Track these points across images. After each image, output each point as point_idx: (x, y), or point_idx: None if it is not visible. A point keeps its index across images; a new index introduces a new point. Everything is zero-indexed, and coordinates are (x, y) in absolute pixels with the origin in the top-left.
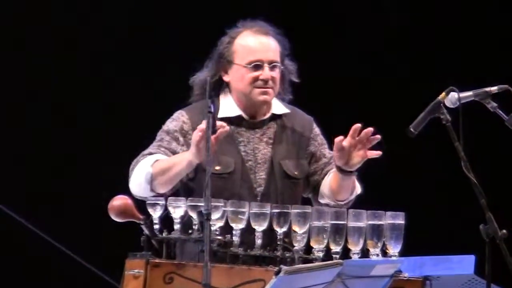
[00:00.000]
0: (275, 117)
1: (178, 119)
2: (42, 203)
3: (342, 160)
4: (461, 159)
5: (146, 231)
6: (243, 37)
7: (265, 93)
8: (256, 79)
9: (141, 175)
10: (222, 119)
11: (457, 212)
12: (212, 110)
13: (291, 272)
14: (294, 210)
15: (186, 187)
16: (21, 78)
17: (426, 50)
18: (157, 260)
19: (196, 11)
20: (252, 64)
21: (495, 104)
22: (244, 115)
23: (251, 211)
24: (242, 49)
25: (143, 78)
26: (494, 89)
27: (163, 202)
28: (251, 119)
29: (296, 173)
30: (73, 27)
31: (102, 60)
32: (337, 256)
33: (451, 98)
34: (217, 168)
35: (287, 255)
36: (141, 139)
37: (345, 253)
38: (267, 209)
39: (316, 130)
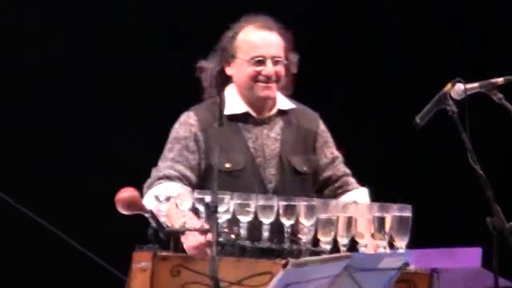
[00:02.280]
0: (281, 112)
1: (185, 123)
2: (49, 195)
3: None
4: (468, 151)
5: (153, 224)
6: (246, 32)
7: (267, 88)
8: (258, 74)
9: (151, 205)
10: (229, 116)
11: (464, 204)
12: (222, 103)
13: (299, 264)
14: (301, 203)
15: (198, 186)
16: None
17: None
18: (164, 253)
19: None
20: (255, 60)
21: (501, 95)
22: (251, 111)
23: (258, 204)
24: (245, 44)
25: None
26: (500, 80)
27: (171, 195)
28: (258, 115)
29: (305, 168)
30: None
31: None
32: (345, 248)
33: (457, 89)
34: (228, 165)
35: (294, 247)
36: (144, 130)
37: (352, 246)
38: (274, 202)
39: (322, 126)
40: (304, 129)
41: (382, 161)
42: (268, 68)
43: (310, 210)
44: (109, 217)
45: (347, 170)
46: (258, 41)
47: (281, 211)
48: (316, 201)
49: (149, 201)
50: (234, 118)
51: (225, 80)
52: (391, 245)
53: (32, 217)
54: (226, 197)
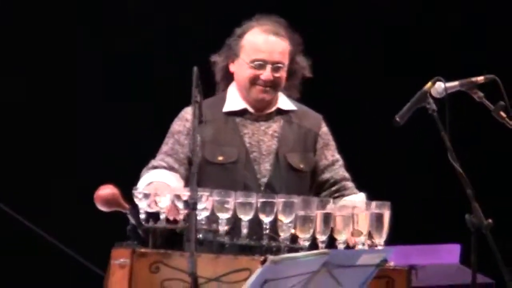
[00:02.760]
0: (281, 112)
1: (182, 118)
2: (27, 192)
3: None
4: (447, 149)
5: (132, 221)
6: (252, 33)
7: (264, 92)
8: (256, 77)
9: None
10: (227, 113)
11: (443, 201)
12: (198, 99)
13: (277, 261)
14: (279, 200)
15: (187, 180)
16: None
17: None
18: (143, 250)
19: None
20: (255, 63)
21: (481, 94)
22: (249, 108)
23: (236, 201)
24: (249, 46)
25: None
26: (480, 79)
27: (150, 192)
28: (256, 112)
29: (301, 166)
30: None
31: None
32: (323, 245)
33: (438, 88)
34: (220, 158)
35: (273, 244)
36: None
37: (331, 243)
38: (253, 199)
39: (325, 129)
40: (305, 128)
41: (360, 158)
42: (267, 73)
43: (289, 207)
44: (88, 214)
45: (347, 175)
46: (261, 45)
47: (259, 208)
48: (294, 198)
49: (145, 181)
50: (232, 113)
51: (230, 76)
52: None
53: (10, 214)
54: (205, 194)
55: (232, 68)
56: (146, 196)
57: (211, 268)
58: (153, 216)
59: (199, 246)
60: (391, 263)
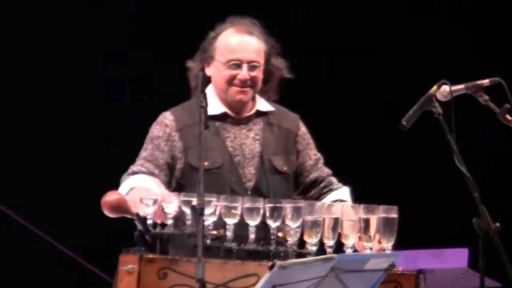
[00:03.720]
0: (260, 113)
1: (161, 123)
2: (36, 199)
3: None
4: (454, 152)
5: (139, 227)
6: (226, 34)
7: (241, 92)
8: (233, 78)
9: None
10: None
11: (451, 205)
12: (204, 104)
13: (285, 266)
14: (287, 205)
15: (177, 185)
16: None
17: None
18: (150, 256)
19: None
20: (231, 63)
21: (487, 97)
22: (229, 112)
23: (244, 206)
24: (223, 46)
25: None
26: (485, 82)
27: (157, 198)
28: (236, 116)
29: (285, 168)
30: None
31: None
32: (331, 250)
33: (443, 91)
34: (206, 163)
35: (280, 249)
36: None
37: (339, 247)
38: (260, 204)
39: (303, 128)
40: (284, 129)
41: (369, 162)
42: (243, 73)
43: (296, 212)
44: (95, 220)
45: (329, 170)
46: (236, 45)
47: (267, 213)
48: (302, 203)
49: (125, 188)
50: (212, 118)
51: (207, 80)
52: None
53: (18, 221)
54: (213, 200)
55: (209, 71)
56: (154, 202)
57: (219, 273)
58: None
59: (207, 252)
60: (399, 268)
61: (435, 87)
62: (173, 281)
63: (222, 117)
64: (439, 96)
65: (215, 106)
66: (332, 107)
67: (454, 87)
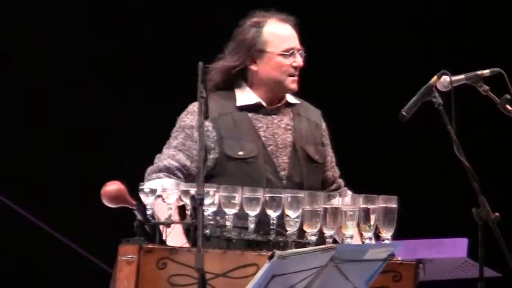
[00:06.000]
0: (289, 105)
1: (193, 112)
2: (35, 188)
3: None
4: (454, 143)
5: (139, 217)
6: (271, 25)
7: (295, 82)
8: (290, 67)
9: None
10: (240, 107)
11: (450, 195)
12: (204, 95)
13: (285, 256)
14: (286, 195)
15: (208, 175)
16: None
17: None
18: (150, 246)
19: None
20: (288, 52)
21: (487, 87)
22: (262, 102)
23: (243, 196)
24: (275, 37)
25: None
26: (486, 72)
27: (156, 188)
28: (268, 106)
29: (317, 157)
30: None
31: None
32: (330, 240)
33: (443, 81)
34: (240, 153)
35: (280, 239)
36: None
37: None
38: (260, 194)
39: (324, 124)
40: (312, 122)
41: (368, 153)
42: (299, 60)
43: (296, 202)
44: (94, 210)
45: (339, 171)
46: (287, 34)
47: (266, 203)
48: (301, 193)
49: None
50: (244, 108)
51: (241, 77)
52: (377, 236)
53: (17, 210)
54: (212, 190)
55: (254, 67)
56: (153, 192)
57: (218, 263)
58: None
59: (206, 242)
60: (399, 258)
61: (435, 77)
62: (173, 271)
63: (255, 108)
64: (439, 86)
65: (248, 97)
66: (327, 94)
67: (454, 77)
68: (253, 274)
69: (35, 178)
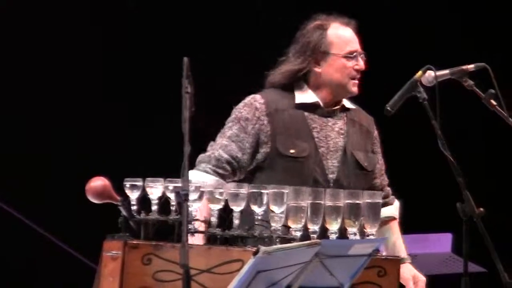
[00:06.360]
0: (344, 109)
1: (250, 105)
2: (20, 185)
3: None
4: (438, 137)
5: (123, 213)
6: (335, 28)
7: (356, 85)
8: (353, 69)
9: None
10: (298, 105)
11: (435, 190)
12: (189, 90)
13: (269, 252)
14: (271, 190)
15: (256, 167)
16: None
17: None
18: (134, 242)
19: None
20: (351, 55)
21: (472, 82)
22: (320, 103)
23: (228, 192)
24: (339, 39)
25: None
26: (471, 67)
27: (141, 184)
28: (326, 107)
29: (366, 164)
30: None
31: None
32: (315, 235)
33: (428, 76)
34: (292, 151)
35: (265, 235)
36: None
37: (323, 233)
38: (244, 190)
39: (376, 132)
40: (365, 128)
41: None
42: (361, 63)
43: (280, 197)
44: (79, 207)
45: (387, 179)
46: (350, 37)
47: (251, 199)
48: (286, 188)
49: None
50: (301, 107)
51: (302, 78)
52: (361, 231)
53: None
54: (197, 185)
55: (318, 68)
56: (137, 187)
57: (203, 259)
58: (145, 207)
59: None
60: (383, 253)
61: (420, 72)
62: (158, 267)
63: (312, 107)
64: (424, 81)
65: (308, 96)
66: None
67: (439, 72)
68: (238, 270)
69: (20, 174)
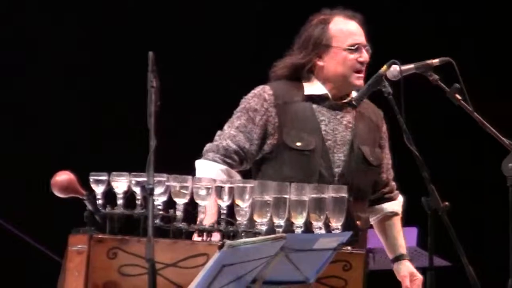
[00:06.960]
0: (352, 103)
1: (259, 96)
2: None
3: None
4: (403, 132)
5: (89, 207)
6: (338, 21)
7: (360, 78)
8: (355, 61)
9: (202, 171)
10: (307, 96)
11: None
12: (154, 85)
13: (234, 246)
14: (236, 184)
15: (262, 158)
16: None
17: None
18: (100, 236)
19: None
20: (354, 47)
21: (437, 77)
22: (329, 95)
23: (194, 186)
24: (341, 32)
25: None
26: (435, 61)
27: (106, 178)
28: (334, 100)
29: (371, 159)
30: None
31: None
32: (280, 229)
33: (393, 71)
34: (298, 144)
35: (230, 229)
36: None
37: (288, 227)
38: (210, 184)
39: (385, 126)
40: (373, 122)
41: None
42: (365, 55)
43: (246, 192)
44: (44, 200)
45: (393, 173)
46: (353, 29)
47: (216, 193)
48: (252, 183)
49: (201, 168)
50: (310, 99)
51: (308, 71)
52: (327, 225)
53: None
54: (162, 179)
55: (321, 62)
56: (102, 182)
57: (168, 253)
58: (110, 202)
59: (156, 232)
60: (348, 247)
61: (385, 66)
62: (123, 261)
63: (321, 100)
64: (389, 75)
65: (317, 88)
66: None
67: (404, 67)
68: (204, 264)
69: None
